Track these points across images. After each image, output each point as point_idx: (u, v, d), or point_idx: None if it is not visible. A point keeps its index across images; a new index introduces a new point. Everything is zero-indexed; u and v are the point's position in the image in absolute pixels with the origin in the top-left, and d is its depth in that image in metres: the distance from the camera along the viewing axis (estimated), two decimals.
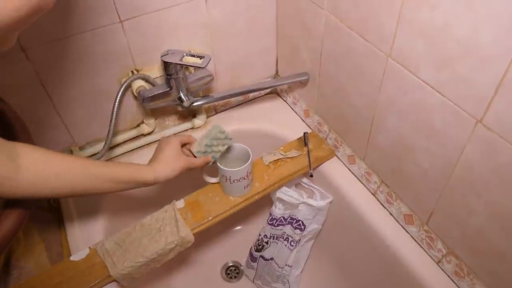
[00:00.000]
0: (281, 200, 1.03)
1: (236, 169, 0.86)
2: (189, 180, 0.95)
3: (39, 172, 0.63)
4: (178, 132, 1.12)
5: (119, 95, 0.93)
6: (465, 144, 0.65)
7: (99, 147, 1.00)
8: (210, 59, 0.89)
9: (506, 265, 0.67)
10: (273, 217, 1.06)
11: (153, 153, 0.84)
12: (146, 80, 0.96)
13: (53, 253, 0.86)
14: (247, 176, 0.89)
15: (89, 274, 0.80)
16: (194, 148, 0.85)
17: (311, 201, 1.02)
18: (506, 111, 0.57)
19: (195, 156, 0.86)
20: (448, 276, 0.81)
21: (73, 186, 0.68)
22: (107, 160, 1.04)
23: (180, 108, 1.01)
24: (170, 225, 0.86)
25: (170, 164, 0.80)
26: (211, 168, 0.91)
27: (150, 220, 0.88)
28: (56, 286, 0.78)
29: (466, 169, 0.67)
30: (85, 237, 0.89)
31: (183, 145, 0.87)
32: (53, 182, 0.65)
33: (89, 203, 0.96)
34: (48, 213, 0.94)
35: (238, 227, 1.35)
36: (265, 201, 1.05)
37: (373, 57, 0.77)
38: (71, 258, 0.82)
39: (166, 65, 0.91)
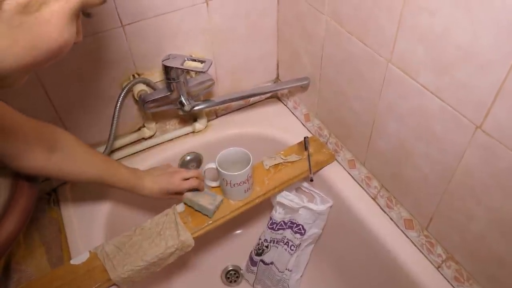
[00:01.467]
0: (281, 204, 1.03)
1: (236, 173, 0.86)
2: None
3: (71, 155, 0.76)
4: (179, 136, 1.12)
5: (120, 99, 0.93)
6: (465, 150, 0.66)
7: (100, 150, 1.00)
8: (211, 64, 0.90)
9: (505, 270, 0.67)
10: (273, 221, 1.06)
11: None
12: (147, 84, 0.97)
13: (53, 256, 0.86)
14: (248, 180, 0.89)
15: (89, 277, 0.80)
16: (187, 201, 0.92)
17: (311, 206, 1.02)
18: (505, 117, 0.57)
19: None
20: (448, 281, 0.81)
21: (92, 173, 0.80)
22: None
23: (181, 112, 1.01)
24: (170, 229, 0.86)
25: (156, 191, 0.89)
26: (212, 172, 0.91)
27: (150, 223, 0.88)
28: None
29: (466, 174, 0.67)
30: (85, 241, 0.89)
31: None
32: (78, 167, 0.78)
33: (89, 207, 0.96)
34: (48, 216, 0.94)
35: (238, 231, 1.35)
36: (265, 205, 1.05)
37: (373, 62, 0.78)
38: (71, 262, 0.82)
39: (167, 70, 0.91)
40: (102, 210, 0.96)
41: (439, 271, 0.82)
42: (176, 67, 0.90)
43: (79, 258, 0.82)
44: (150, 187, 0.88)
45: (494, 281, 0.71)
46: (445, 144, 0.69)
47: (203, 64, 0.90)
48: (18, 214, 0.62)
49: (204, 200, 0.89)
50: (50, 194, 0.99)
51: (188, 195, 0.90)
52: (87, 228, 0.92)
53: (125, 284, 0.81)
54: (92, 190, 0.99)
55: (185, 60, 0.90)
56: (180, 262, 1.21)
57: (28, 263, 0.82)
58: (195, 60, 0.91)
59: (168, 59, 0.91)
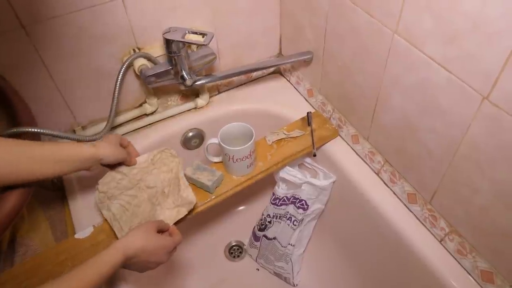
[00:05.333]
0: (284, 180, 1.03)
1: (239, 148, 0.85)
2: (193, 159, 0.95)
3: None
4: (181, 112, 1.12)
5: (121, 73, 0.92)
6: (470, 122, 0.65)
7: (101, 126, 1.00)
8: (212, 36, 0.88)
9: (509, 242, 0.67)
10: (276, 196, 1.07)
11: None
12: (148, 58, 0.95)
13: (57, 231, 0.87)
14: (250, 155, 0.89)
15: (93, 252, 0.80)
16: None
17: (314, 181, 1.02)
18: None
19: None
20: (451, 254, 0.81)
21: (9, 169, 0.63)
22: None
23: (182, 87, 1.00)
24: (174, 186, 0.84)
25: (113, 146, 0.80)
26: (214, 147, 0.91)
27: (155, 180, 0.86)
28: (62, 263, 0.78)
29: (471, 147, 0.67)
30: (88, 216, 0.89)
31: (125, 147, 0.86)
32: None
33: (92, 181, 0.96)
34: (52, 191, 0.94)
35: (241, 207, 1.36)
36: (268, 180, 1.05)
37: (379, 34, 0.76)
38: (76, 236, 0.83)
39: (168, 43, 0.89)
40: None
41: (442, 244, 0.83)
42: (177, 40, 0.88)
43: (83, 232, 0.83)
44: (107, 152, 0.79)
45: (497, 253, 0.71)
46: (450, 117, 0.68)
47: (204, 37, 0.88)
48: (21, 187, 0.62)
49: (203, 176, 0.89)
50: None
51: (188, 172, 0.89)
52: (91, 203, 0.93)
53: None
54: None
55: (186, 33, 0.89)
56: (184, 238, 1.22)
57: (33, 237, 0.82)
58: (196, 33, 0.89)
59: (169, 32, 0.89)
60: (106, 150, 0.78)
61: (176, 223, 0.81)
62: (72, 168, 0.73)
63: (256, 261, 1.24)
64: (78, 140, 0.88)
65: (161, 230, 0.77)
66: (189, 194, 0.82)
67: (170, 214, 0.81)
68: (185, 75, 0.96)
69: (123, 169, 0.85)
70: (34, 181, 0.67)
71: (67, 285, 0.59)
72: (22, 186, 0.63)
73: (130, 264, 0.70)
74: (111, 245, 0.67)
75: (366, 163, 0.98)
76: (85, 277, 0.61)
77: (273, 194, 1.07)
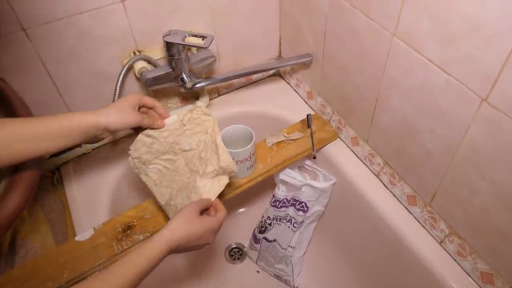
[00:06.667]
0: (284, 182, 1.03)
1: (239, 150, 0.86)
2: None
3: None
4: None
5: (121, 76, 0.93)
6: (469, 124, 0.65)
7: None
8: (212, 39, 0.88)
9: (509, 244, 0.67)
10: (276, 199, 1.07)
11: None
12: (148, 61, 0.96)
13: (57, 233, 0.87)
14: (250, 157, 0.89)
15: (94, 254, 0.80)
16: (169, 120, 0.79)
17: (314, 183, 1.02)
18: None
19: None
20: (451, 256, 0.81)
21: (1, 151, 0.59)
22: (109, 142, 1.05)
23: (182, 90, 1.00)
24: (210, 152, 0.76)
25: (120, 112, 0.70)
26: None
27: (190, 142, 0.78)
28: (62, 265, 0.78)
29: (470, 148, 0.67)
30: (89, 218, 0.90)
31: (142, 107, 0.77)
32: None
33: (93, 184, 0.97)
34: (52, 193, 0.95)
35: (241, 209, 1.36)
36: (268, 183, 1.05)
37: (378, 36, 0.76)
38: (76, 239, 0.83)
39: (168, 46, 0.90)
40: (105, 187, 0.96)
41: (441, 246, 0.83)
42: (177, 43, 0.88)
43: (83, 234, 0.83)
44: (113, 119, 0.70)
45: (497, 255, 0.71)
46: (449, 119, 0.68)
47: (204, 40, 0.89)
48: (22, 188, 0.62)
49: None
50: (53, 172, 0.99)
51: None
52: (91, 205, 0.93)
53: (172, 211, 0.77)
54: (95, 167, 1.00)
55: (186, 36, 0.89)
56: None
57: (33, 239, 0.83)
58: (196, 36, 0.89)
59: (169, 35, 0.89)
60: (110, 117, 0.69)
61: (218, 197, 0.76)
62: (73, 141, 0.67)
63: (256, 264, 1.24)
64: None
65: (205, 208, 0.73)
66: (229, 163, 0.74)
67: (211, 186, 0.75)
68: (185, 78, 0.96)
69: (152, 132, 0.77)
70: (38, 157, 0.63)
71: (105, 284, 0.56)
72: (24, 187, 0.63)
73: (174, 252, 0.67)
74: (154, 239, 0.64)
75: (365, 165, 0.98)
76: (127, 274, 0.58)
77: (273, 196, 1.08)
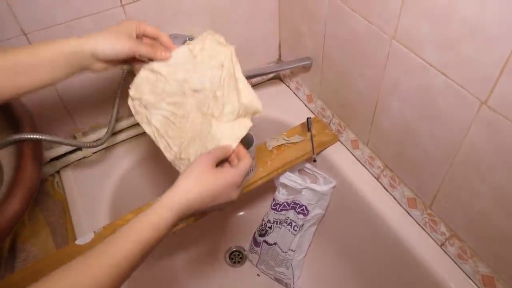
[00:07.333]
0: (284, 185, 1.03)
1: None
2: None
3: None
4: None
5: (122, 80, 0.93)
6: (469, 127, 0.65)
7: (102, 132, 1.00)
8: None
9: (509, 247, 0.67)
10: (277, 202, 1.07)
11: None
12: None
13: (58, 237, 0.87)
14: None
15: None
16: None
17: (314, 186, 1.02)
18: (511, 92, 0.56)
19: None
20: (451, 259, 0.81)
21: None
22: (109, 146, 1.05)
23: None
24: (228, 88, 0.62)
25: (111, 35, 0.59)
26: None
27: (201, 80, 0.64)
28: None
29: (470, 151, 0.67)
30: (89, 222, 0.90)
31: (143, 36, 0.65)
32: None
33: (93, 187, 0.97)
34: (52, 197, 0.95)
35: (242, 213, 1.36)
36: (269, 186, 1.05)
37: (377, 40, 0.76)
38: (76, 242, 0.83)
39: None
40: (106, 191, 0.96)
41: (442, 249, 0.83)
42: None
43: (84, 238, 0.83)
44: (105, 44, 0.59)
45: (498, 258, 0.71)
46: (449, 122, 0.69)
47: None
48: (22, 193, 0.62)
49: None
50: (53, 175, 0.99)
51: None
52: (91, 209, 0.93)
53: (184, 166, 0.65)
54: (95, 171, 1.00)
55: (186, 40, 0.89)
56: (184, 244, 1.22)
57: (34, 243, 0.83)
58: None
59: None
60: (98, 39, 0.57)
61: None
62: (59, 74, 0.58)
63: (256, 267, 1.24)
64: (78, 146, 0.86)
65: (222, 159, 0.60)
66: (253, 98, 0.61)
67: (231, 130, 0.62)
68: None
69: (158, 66, 0.64)
70: (26, 94, 0.57)
71: (101, 259, 0.47)
72: (24, 191, 0.63)
73: (188, 216, 0.55)
74: (158, 202, 0.52)
75: (366, 168, 0.98)
76: (125, 246, 0.48)
77: (274, 199, 1.08)
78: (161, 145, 0.65)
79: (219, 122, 0.62)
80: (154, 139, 0.66)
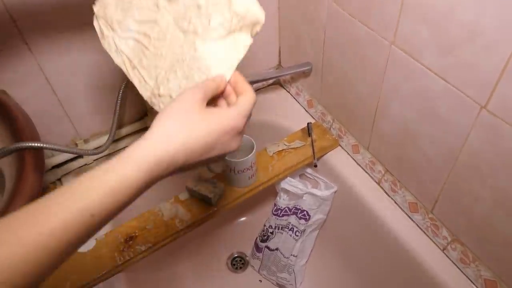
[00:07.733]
0: (285, 191, 1.04)
1: (240, 160, 0.86)
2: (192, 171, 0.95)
3: None
4: None
5: (123, 87, 0.93)
6: (469, 131, 0.65)
7: (103, 139, 1.00)
8: None
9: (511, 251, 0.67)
10: (278, 207, 1.07)
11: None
12: None
13: None
14: (252, 166, 0.89)
15: (96, 264, 0.80)
16: None
17: (315, 191, 1.02)
18: (511, 96, 0.56)
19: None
20: (454, 263, 0.81)
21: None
22: (111, 153, 1.05)
23: None
24: None
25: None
26: None
27: None
28: (64, 276, 0.79)
29: (470, 155, 0.67)
30: None
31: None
32: None
33: None
34: None
35: (243, 218, 1.36)
36: (270, 191, 1.05)
37: (376, 45, 0.77)
38: (78, 250, 0.83)
39: None
40: None
41: (444, 253, 0.83)
42: None
43: (85, 245, 0.83)
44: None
45: (501, 262, 0.71)
46: (449, 126, 0.69)
47: None
48: (24, 202, 0.62)
49: (205, 189, 0.89)
50: (55, 183, 0.99)
51: (189, 184, 0.89)
52: None
53: (161, 104, 0.51)
54: None
55: None
56: (186, 250, 1.22)
57: None
58: None
59: None
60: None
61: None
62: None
63: (258, 272, 1.24)
64: (80, 154, 0.86)
65: (215, 95, 0.44)
66: (250, 6, 0.46)
67: (224, 52, 0.47)
68: None
69: None
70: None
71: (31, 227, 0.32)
72: (25, 201, 0.63)
73: (170, 174, 0.40)
74: (123, 153, 0.37)
75: (366, 172, 0.98)
76: (63, 215, 0.34)
77: (275, 205, 1.08)
78: (135, 79, 0.50)
79: (206, 41, 0.46)
80: (126, 73, 0.51)
